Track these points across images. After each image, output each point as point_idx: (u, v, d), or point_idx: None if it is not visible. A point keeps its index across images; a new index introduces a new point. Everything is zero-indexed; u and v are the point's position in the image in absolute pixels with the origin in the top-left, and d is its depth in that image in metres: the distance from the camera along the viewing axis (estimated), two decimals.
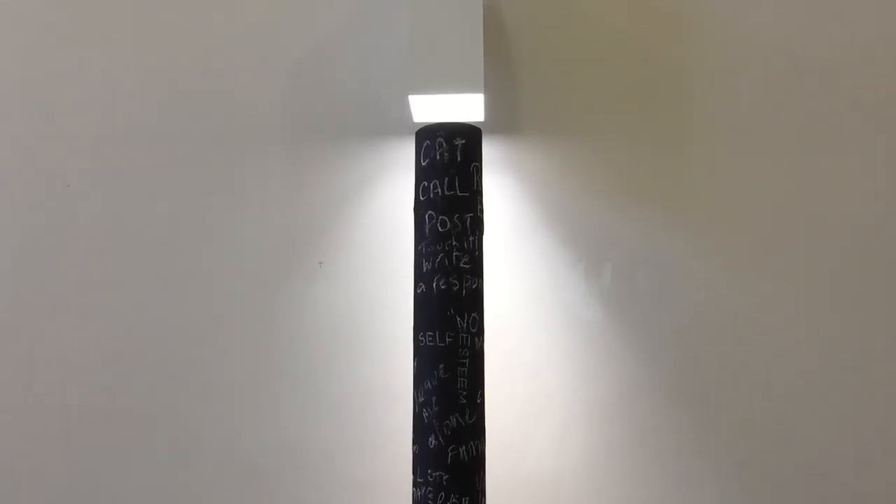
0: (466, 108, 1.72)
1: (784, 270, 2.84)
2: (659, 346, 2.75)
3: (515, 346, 2.69)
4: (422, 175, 1.66)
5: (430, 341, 1.57)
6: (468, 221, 1.62)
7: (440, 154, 1.62)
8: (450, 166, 1.62)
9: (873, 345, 2.76)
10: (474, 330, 1.59)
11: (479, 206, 1.66)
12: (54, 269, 2.63)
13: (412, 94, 1.69)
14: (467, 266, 1.60)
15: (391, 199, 2.77)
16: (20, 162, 2.59)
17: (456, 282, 1.59)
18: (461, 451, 1.51)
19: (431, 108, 1.72)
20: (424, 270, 1.61)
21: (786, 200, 2.80)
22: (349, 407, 2.66)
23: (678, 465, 2.66)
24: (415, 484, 1.53)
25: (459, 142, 1.63)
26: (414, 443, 1.55)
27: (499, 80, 2.46)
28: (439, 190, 1.61)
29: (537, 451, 2.65)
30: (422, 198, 1.65)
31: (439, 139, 1.63)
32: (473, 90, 1.64)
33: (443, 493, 1.49)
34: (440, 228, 1.61)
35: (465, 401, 1.54)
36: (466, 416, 1.53)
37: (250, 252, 2.76)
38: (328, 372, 2.69)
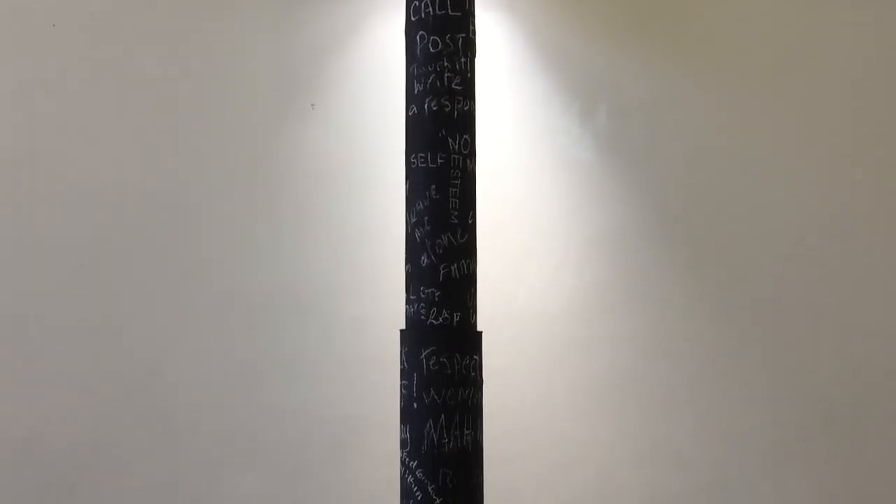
0: None
1: (779, 114, 2.83)
2: (651, 188, 2.76)
3: (510, 188, 2.70)
4: None
5: (421, 163, 1.58)
6: (460, 42, 1.60)
7: None
8: None
9: (870, 186, 2.77)
10: (466, 151, 1.60)
11: (471, 27, 1.63)
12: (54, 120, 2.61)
13: None
14: (459, 87, 1.59)
15: (382, 41, 2.72)
16: None
17: (447, 103, 1.58)
18: (453, 268, 1.54)
19: None
20: (416, 92, 1.60)
21: (782, 43, 2.76)
22: (345, 247, 2.70)
23: (666, 302, 2.72)
24: (408, 301, 1.57)
25: None
26: (407, 262, 1.58)
27: None
28: (430, 9, 1.58)
29: (529, 289, 2.70)
30: (413, 18, 1.62)
31: None
32: None
33: (435, 309, 1.53)
34: (431, 49, 1.58)
35: (456, 221, 1.56)
36: (458, 236, 1.56)
37: (242, 95, 2.73)
38: (324, 213, 2.71)
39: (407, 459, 1.50)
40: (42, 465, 2.55)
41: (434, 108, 1.57)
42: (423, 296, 1.54)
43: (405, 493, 1.50)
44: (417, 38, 1.60)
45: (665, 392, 2.63)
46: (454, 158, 1.57)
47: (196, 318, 2.64)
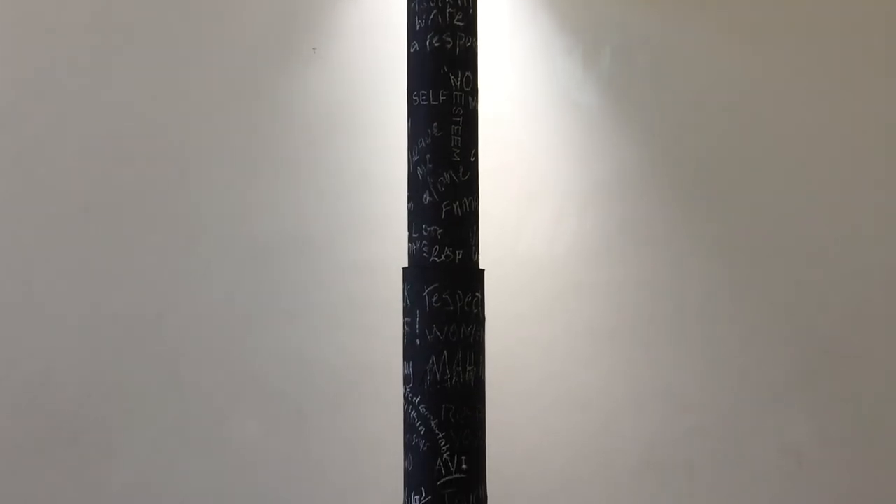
0: None
1: (790, 53, 2.80)
2: (655, 132, 2.75)
3: (512, 131, 2.69)
4: None
5: (423, 100, 1.57)
6: None
7: None
8: None
9: (876, 122, 2.75)
10: (468, 89, 1.59)
11: None
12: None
13: None
14: (461, 23, 1.57)
15: None
16: None
17: (449, 39, 1.56)
18: (455, 206, 1.54)
19: None
20: (417, 28, 1.58)
21: None
22: (347, 189, 2.70)
23: (669, 245, 2.72)
24: (410, 239, 1.58)
25: None
26: (409, 200, 1.58)
27: None
28: None
29: (532, 233, 2.70)
30: None
31: None
32: None
33: (437, 247, 1.53)
34: None
35: (458, 158, 1.56)
36: (460, 174, 1.55)
37: (244, 39, 2.70)
38: (325, 156, 2.70)
39: (410, 395, 1.52)
40: (49, 410, 2.58)
41: (436, 45, 1.55)
42: (425, 233, 1.54)
43: (408, 427, 1.52)
44: None
45: (667, 334, 2.65)
46: (456, 96, 1.56)
47: (199, 262, 2.65)
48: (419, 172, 1.55)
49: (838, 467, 2.59)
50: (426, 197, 1.54)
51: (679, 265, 2.68)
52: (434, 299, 1.51)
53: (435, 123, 1.55)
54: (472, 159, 1.58)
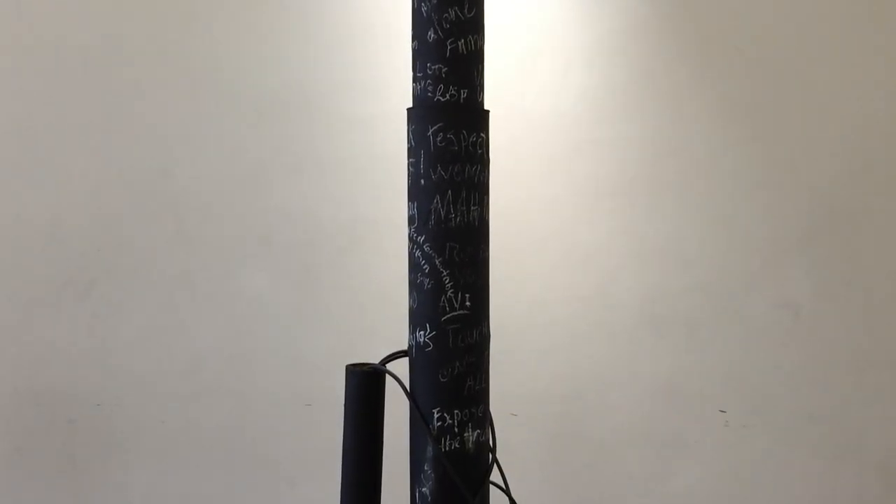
0: None
1: None
2: None
3: None
4: None
5: None
6: None
7: None
8: None
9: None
10: None
11: None
12: None
13: None
14: None
15: None
16: None
17: None
18: (460, 44, 1.51)
19: None
20: None
21: None
22: (351, 43, 2.65)
23: (675, 102, 2.69)
24: (414, 79, 1.55)
25: None
26: (413, 39, 1.55)
27: None
28: None
29: (537, 89, 2.67)
30: None
31: None
32: None
33: (441, 86, 1.51)
34: None
35: None
36: (465, 10, 1.51)
37: None
38: (331, 9, 2.64)
39: (414, 235, 1.53)
40: (59, 264, 2.62)
41: None
42: (429, 72, 1.51)
43: (413, 267, 1.54)
44: None
45: (671, 191, 2.66)
46: None
47: (204, 116, 2.63)
48: (423, 9, 1.52)
49: (833, 321, 2.64)
50: (430, 34, 1.51)
51: (684, 122, 2.66)
52: (439, 139, 1.50)
53: None
54: None
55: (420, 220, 1.52)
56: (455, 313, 1.51)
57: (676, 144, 2.66)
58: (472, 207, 1.52)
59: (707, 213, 2.66)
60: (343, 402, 1.53)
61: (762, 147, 2.66)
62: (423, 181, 1.52)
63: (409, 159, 1.54)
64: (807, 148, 2.66)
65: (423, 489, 1.51)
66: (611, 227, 2.66)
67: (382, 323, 2.58)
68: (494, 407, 1.54)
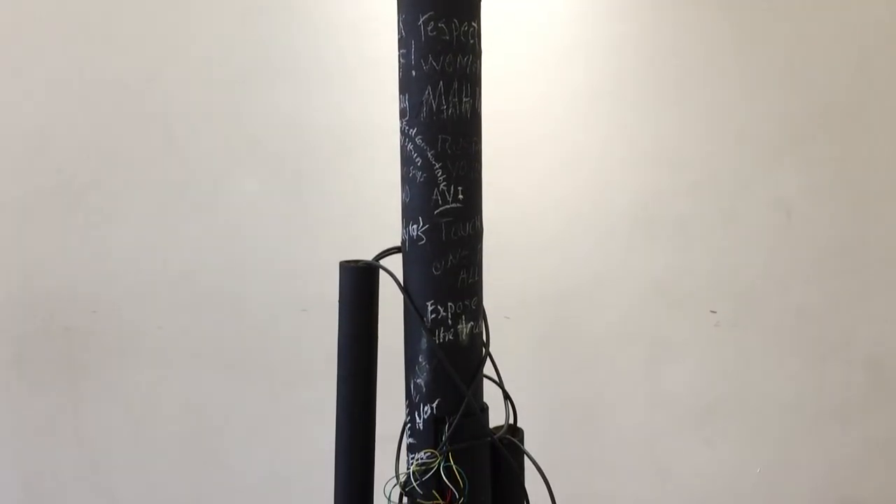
0: None
1: None
2: None
3: None
4: None
5: None
6: None
7: None
8: None
9: None
10: None
11: None
12: None
13: None
14: None
15: None
16: None
17: None
18: None
19: None
20: None
21: None
22: None
23: (671, 4, 2.64)
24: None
25: None
26: None
27: None
28: None
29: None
30: None
31: None
32: None
33: None
34: None
35: None
36: None
37: None
38: None
39: (406, 128, 1.51)
40: (49, 174, 2.60)
41: None
42: None
43: (405, 160, 1.52)
44: None
45: (665, 93, 2.63)
46: None
47: (193, 21, 2.58)
48: None
49: (824, 220, 2.65)
50: None
51: (678, 23, 2.62)
52: (430, 28, 1.46)
53: None
54: None
55: (411, 113, 1.50)
56: (448, 206, 1.51)
57: (672, 45, 2.61)
58: (464, 99, 1.50)
59: (702, 114, 2.64)
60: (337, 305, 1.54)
61: (755, 48, 2.62)
62: (413, 72, 1.49)
63: (399, 50, 1.51)
64: (800, 48, 2.62)
65: (418, 380, 1.53)
66: (602, 129, 2.64)
67: (373, 229, 2.57)
68: (488, 312, 1.55)
